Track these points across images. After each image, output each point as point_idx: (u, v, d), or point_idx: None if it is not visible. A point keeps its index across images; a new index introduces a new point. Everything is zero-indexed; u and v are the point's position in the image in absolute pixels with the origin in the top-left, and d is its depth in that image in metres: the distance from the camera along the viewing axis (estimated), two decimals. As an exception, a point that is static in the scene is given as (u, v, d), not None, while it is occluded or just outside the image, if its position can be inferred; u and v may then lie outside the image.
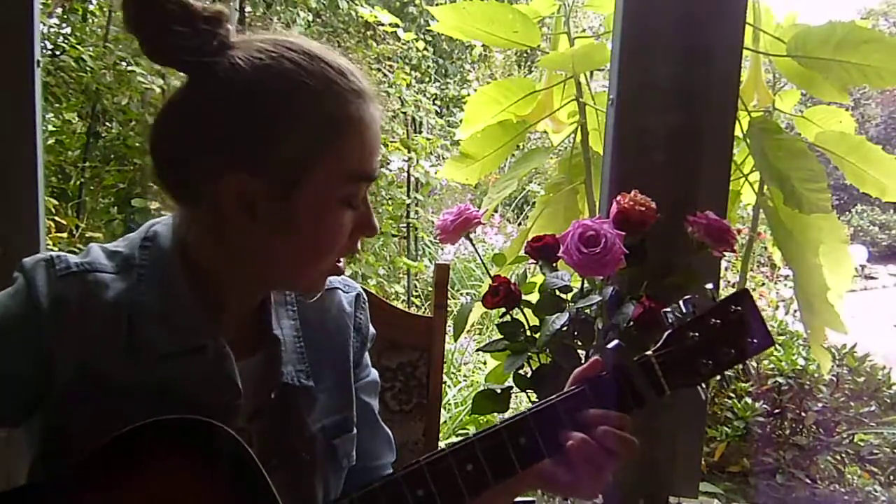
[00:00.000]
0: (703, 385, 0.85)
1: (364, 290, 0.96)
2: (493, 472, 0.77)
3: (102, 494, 0.69)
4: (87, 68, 2.83)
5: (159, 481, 0.70)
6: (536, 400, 1.23)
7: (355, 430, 0.90)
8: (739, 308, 0.82)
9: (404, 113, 4.40)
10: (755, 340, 0.83)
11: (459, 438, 0.79)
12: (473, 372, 3.27)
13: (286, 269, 0.78)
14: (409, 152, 4.27)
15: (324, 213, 0.74)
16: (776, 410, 2.82)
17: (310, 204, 0.73)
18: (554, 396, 0.81)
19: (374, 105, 0.78)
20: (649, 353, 0.82)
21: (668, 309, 0.84)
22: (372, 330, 0.96)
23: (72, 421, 0.72)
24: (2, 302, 0.74)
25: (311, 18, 4.83)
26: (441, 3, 4.75)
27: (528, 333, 1.24)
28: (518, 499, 0.89)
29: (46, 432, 0.74)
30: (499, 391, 1.28)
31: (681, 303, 0.84)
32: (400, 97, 4.34)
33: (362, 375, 0.95)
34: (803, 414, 2.81)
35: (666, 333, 0.84)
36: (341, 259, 0.79)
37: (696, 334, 0.82)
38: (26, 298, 0.73)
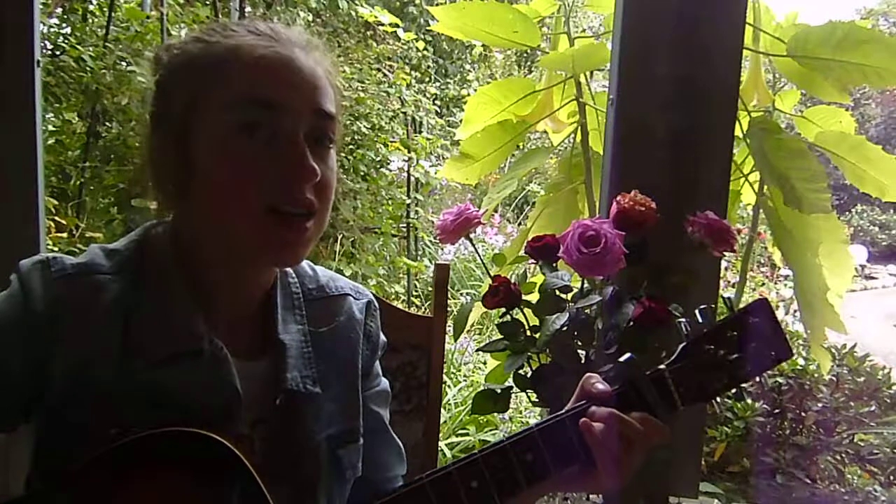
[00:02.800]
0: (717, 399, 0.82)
1: None
2: (498, 489, 0.75)
3: None
4: (87, 68, 2.83)
5: (155, 493, 0.69)
6: (536, 399, 1.23)
7: (361, 441, 0.88)
8: (758, 319, 0.79)
9: (404, 113, 4.40)
10: (773, 353, 0.80)
11: (466, 455, 0.77)
12: (473, 372, 3.27)
13: (218, 221, 0.75)
14: (409, 152, 4.28)
15: (219, 146, 0.73)
16: (776, 410, 2.82)
17: (206, 141, 0.73)
18: (563, 411, 0.79)
19: (293, 47, 0.76)
20: (662, 367, 0.79)
21: (683, 319, 0.81)
22: (383, 338, 0.95)
23: (68, 425, 0.71)
24: None
25: (310, 18, 4.82)
26: (441, 3, 4.75)
27: (528, 333, 1.24)
28: None
29: (43, 436, 0.73)
30: (499, 391, 1.28)
31: (696, 312, 0.81)
32: (400, 97, 4.35)
33: (372, 385, 0.93)
34: (803, 414, 2.81)
35: (680, 346, 0.80)
36: (283, 205, 0.73)
37: (712, 347, 0.79)
38: (21, 301, 0.72)
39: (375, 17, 4.35)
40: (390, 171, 4.36)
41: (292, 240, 0.75)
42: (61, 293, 0.72)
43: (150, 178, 0.79)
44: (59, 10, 3.18)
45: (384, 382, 0.96)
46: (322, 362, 0.84)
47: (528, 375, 1.23)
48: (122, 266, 0.76)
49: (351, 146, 3.97)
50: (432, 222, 4.66)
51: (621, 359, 0.80)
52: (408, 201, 4.38)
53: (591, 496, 1.38)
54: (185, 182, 0.74)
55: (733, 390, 0.81)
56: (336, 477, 0.85)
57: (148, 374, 0.73)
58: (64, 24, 3.16)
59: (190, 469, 0.71)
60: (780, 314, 3.89)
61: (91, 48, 2.91)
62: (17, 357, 0.71)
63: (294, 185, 0.73)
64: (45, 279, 0.72)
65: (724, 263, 3.02)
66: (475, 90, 2.43)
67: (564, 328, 1.18)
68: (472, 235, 1.35)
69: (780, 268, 4.81)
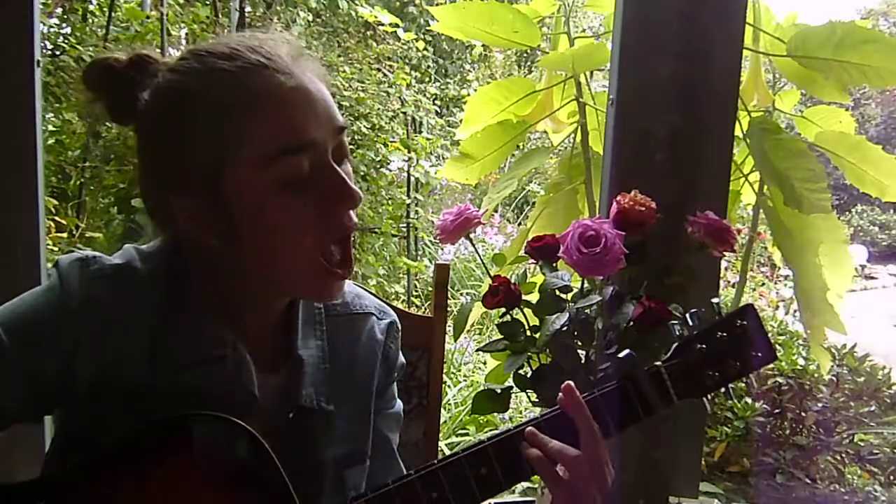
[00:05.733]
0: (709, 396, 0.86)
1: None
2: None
3: (116, 489, 0.70)
4: (88, 68, 2.82)
5: (174, 476, 0.71)
6: (536, 399, 1.23)
7: (368, 463, 0.88)
8: (745, 322, 0.85)
9: (404, 113, 4.40)
10: (759, 354, 0.85)
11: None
12: (473, 372, 3.27)
13: (265, 271, 0.76)
14: (409, 152, 4.27)
15: (262, 203, 0.71)
16: (776, 410, 2.82)
17: (243, 200, 0.71)
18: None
19: (293, 69, 0.72)
20: (658, 363, 0.84)
21: (675, 322, 0.85)
22: (401, 360, 0.94)
23: (90, 421, 0.73)
24: (34, 298, 0.75)
25: (311, 18, 4.83)
26: (441, 3, 4.75)
27: (528, 333, 1.24)
28: (518, 499, 0.88)
29: (65, 430, 0.75)
30: (499, 391, 1.28)
31: (687, 316, 0.86)
32: (400, 97, 4.35)
33: (386, 406, 0.93)
34: (803, 414, 2.81)
35: (674, 345, 0.86)
36: (332, 245, 0.75)
37: (703, 346, 0.84)
38: (59, 296, 0.74)
39: (375, 17, 4.35)
40: (390, 171, 4.35)
41: (338, 288, 0.78)
42: (97, 293, 0.74)
43: (177, 235, 0.77)
44: (59, 10, 3.18)
45: (398, 405, 0.95)
46: (338, 381, 0.84)
47: (528, 375, 1.23)
48: (156, 271, 0.78)
49: (351, 146, 3.96)
50: (432, 222, 4.67)
51: (621, 354, 0.83)
52: (408, 201, 4.38)
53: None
54: (222, 235, 0.73)
55: (723, 388, 0.86)
56: (338, 496, 0.84)
57: (171, 377, 0.74)
58: (64, 24, 3.16)
59: (207, 453, 0.72)
60: (780, 314, 3.89)
61: (91, 48, 2.91)
62: (50, 350, 0.73)
63: (342, 216, 0.74)
64: (83, 277, 0.74)
65: (724, 263, 3.02)
66: (475, 90, 2.43)
67: (564, 328, 1.18)
68: (472, 235, 1.35)
69: (780, 268, 4.81)
